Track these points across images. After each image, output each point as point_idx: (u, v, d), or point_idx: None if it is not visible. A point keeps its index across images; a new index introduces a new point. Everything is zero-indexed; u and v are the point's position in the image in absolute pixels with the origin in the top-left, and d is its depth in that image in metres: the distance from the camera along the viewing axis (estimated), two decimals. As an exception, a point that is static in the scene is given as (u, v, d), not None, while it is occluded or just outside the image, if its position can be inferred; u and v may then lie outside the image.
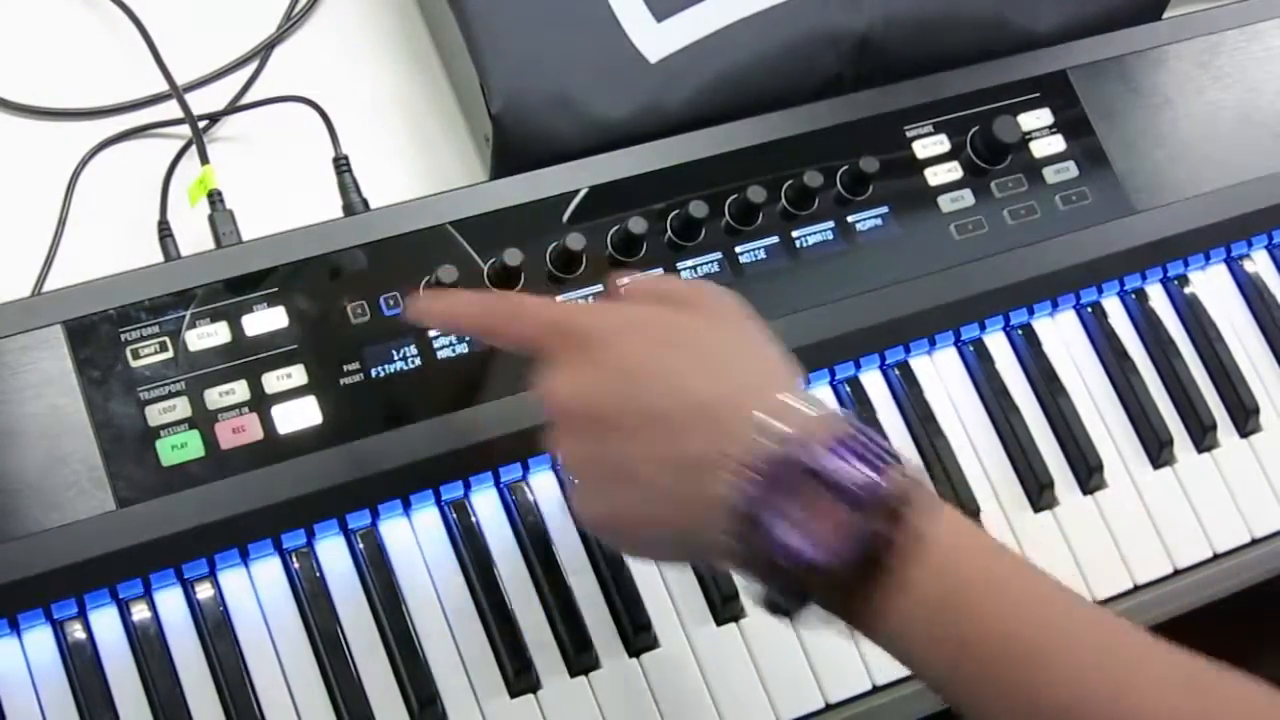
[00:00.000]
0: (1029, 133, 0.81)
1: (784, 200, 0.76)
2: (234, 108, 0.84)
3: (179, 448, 0.65)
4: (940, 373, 0.79)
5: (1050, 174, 0.80)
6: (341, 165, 0.79)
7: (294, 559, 0.67)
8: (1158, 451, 0.79)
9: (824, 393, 0.77)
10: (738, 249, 0.75)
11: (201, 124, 0.82)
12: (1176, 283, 0.84)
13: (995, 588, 0.51)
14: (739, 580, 0.71)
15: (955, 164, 0.79)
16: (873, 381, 0.78)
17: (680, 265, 0.74)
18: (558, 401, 0.56)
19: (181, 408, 0.66)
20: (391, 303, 0.70)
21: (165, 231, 0.77)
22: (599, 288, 0.72)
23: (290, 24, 0.87)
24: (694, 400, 0.53)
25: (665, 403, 0.53)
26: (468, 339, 0.70)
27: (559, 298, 0.72)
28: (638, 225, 0.72)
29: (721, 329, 0.57)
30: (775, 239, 0.75)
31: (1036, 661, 0.49)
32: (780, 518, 0.50)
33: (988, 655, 0.50)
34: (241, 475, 0.65)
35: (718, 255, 0.74)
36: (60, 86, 0.83)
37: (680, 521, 0.53)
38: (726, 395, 0.53)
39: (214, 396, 0.66)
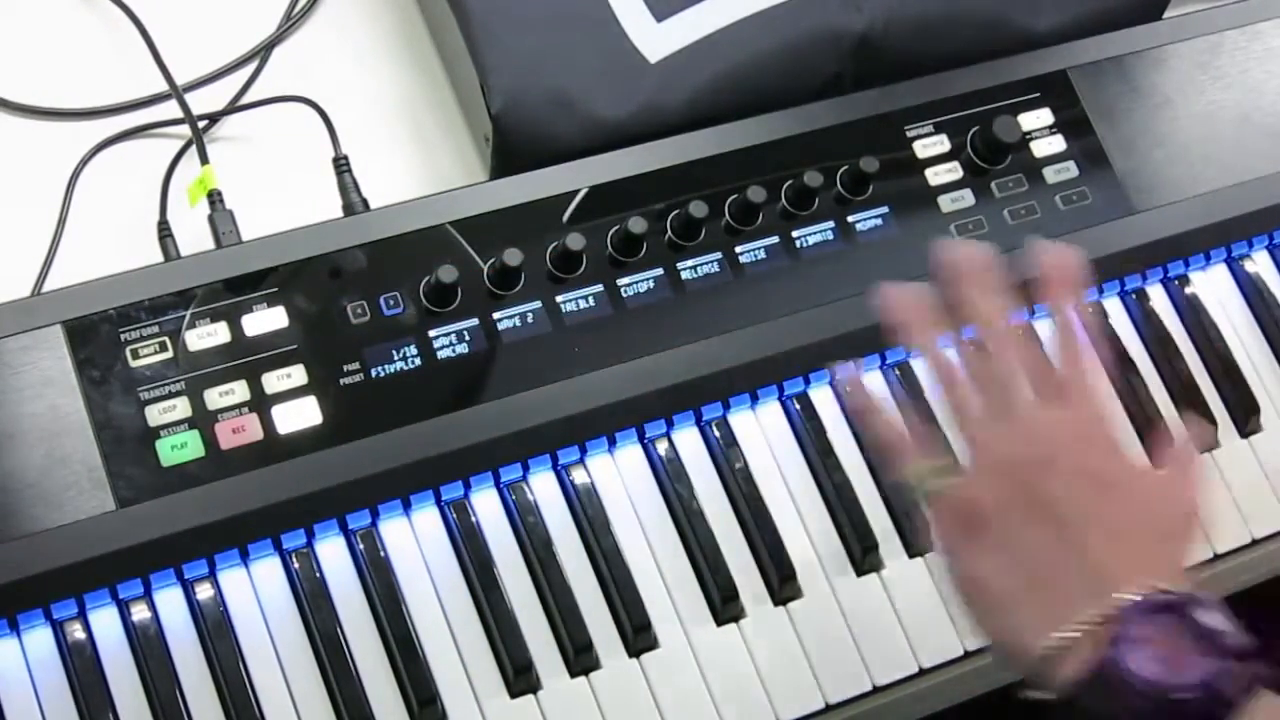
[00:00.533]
0: (1029, 133, 0.81)
1: (784, 200, 0.76)
2: (234, 108, 0.84)
3: (179, 448, 0.65)
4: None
5: (1050, 174, 0.80)
6: (341, 165, 0.79)
7: (294, 559, 0.67)
8: (1158, 451, 0.79)
9: (824, 393, 0.77)
10: (738, 249, 0.75)
11: (201, 124, 0.82)
12: (1177, 283, 0.84)
13: None
14: (739, 581, 0.71)
15: (955, 164, 0.79)
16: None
17: (680, 265, 0.74)
18: (994, 453, 0.59)
19: (181, 408, 0.66)
20: (392, 303, 0.70)
21: (165, 231, 0.77)
22: (599, 288, 0.72)
23: (290, 24, 0.87)
24: (1116, 527, 0.57)
25: (1097, 507, 0.57)
26: (468, 340, 0.70)
27: (557, 298, 0.72)
28: (638, 225, 0.72)
29: (1142, 470, 0.61)
30: (775, 239, 0.75)
31: None
32: (1140, 646, 0.53)
33: None
34: (241, 475, 0.65)
35: (718, 255, 0.74)
36: (60, 86, 0.83)
37: (1040, 615, 0.55)
38: (1144, 535, 0.58)
39: (214, 396, 0.66)
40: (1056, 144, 0.81)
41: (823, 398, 0.76)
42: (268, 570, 0.68)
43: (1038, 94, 0.82)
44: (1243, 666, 0.53)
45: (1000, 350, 0.61)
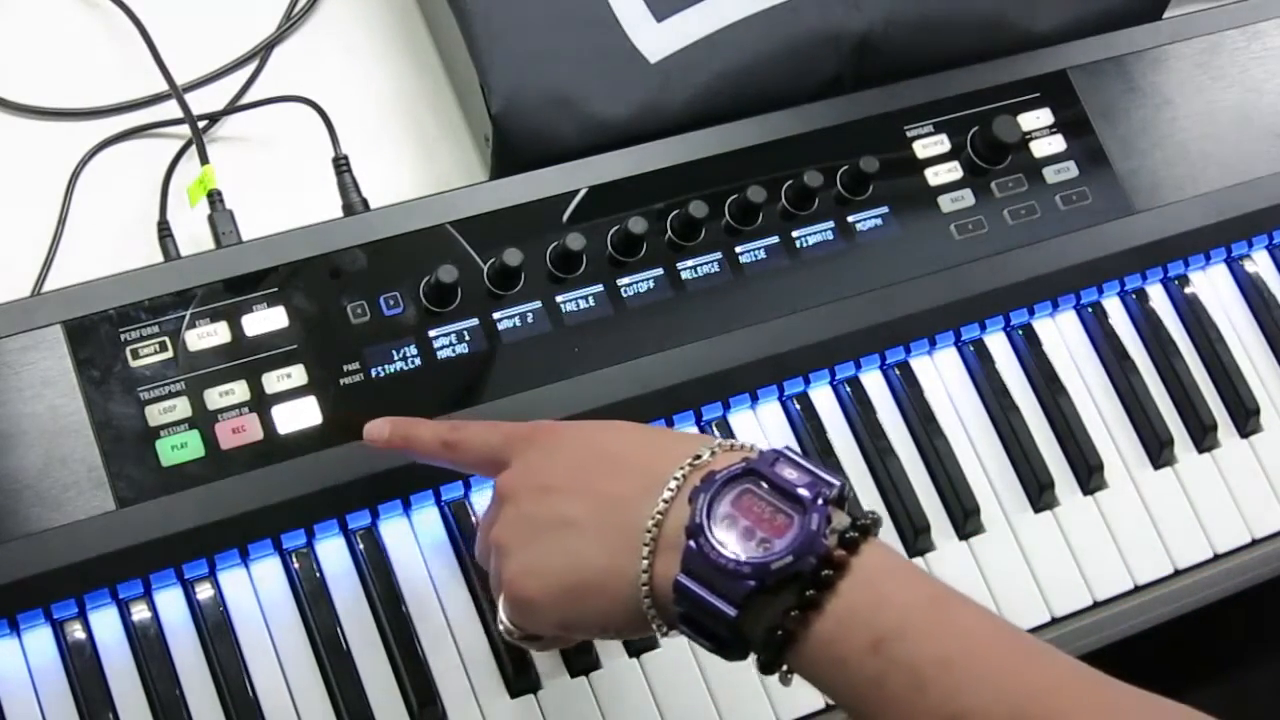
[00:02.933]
0: (1029, 133, 0.81)
1: (784, 200, 0.76)
2: (234, 108, 0.84)
3: (179, 448, 0.65)
4: (940, 373, 0.79)
5: (1050, 174, 0.80)
6: (341, 165, 0.79)
7: (294, 559, 0.67)
8: (1158, 451, 0.79)
9: (824, 393, 0.77)
10: (738, 249, 0.75)
11: (201, 124, 0.82)
12: (1177, 283, 0.84)
13: (928, 605, 0.50)
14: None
15: (955, 164, 0.79)
16: (873, 381, 0.78)
17: (680, 265, 0.74)
18: (507, 486, 0.59)
19: (181, 408, 0.66)
20: (392, 303, 0.70)
21: (165, 231, 0.77)
22: (599, 288, 0.72)
23: (290, 24, 0.87)
24: (632, 451, 0.57)
25: (606, 462, 0.57)
26: (468, 340, 0.70)
27: (557, 298, 0.72)
28: (638, 225, 0.72)
29: (631, 425, 0.61)
30: (775, 239, 0.75)
31: (966, 684, 0.48)
32: (724, 525, 0.51)
33: (918, 672, 0.48)
34: (241, 475, 0.65)
35: (718, 255, 0.74)
36: (60, 86, 0.83)
37: (605, 557, 0.54)
38: (662, 444, 0.57)
39: (214, 396, 0.66)
40: (1056, 144, 0.81)
41: (823, 397, 0.77)
42: (268, 570, 0.68)
43: (1038, 94, 0.82)
44: (836, 514, 0.51)
45: (459, 446, 0.62)
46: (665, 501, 0.53)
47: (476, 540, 0.65)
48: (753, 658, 0.52)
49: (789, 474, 0.52)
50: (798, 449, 0.54)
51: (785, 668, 0.51)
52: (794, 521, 0.50)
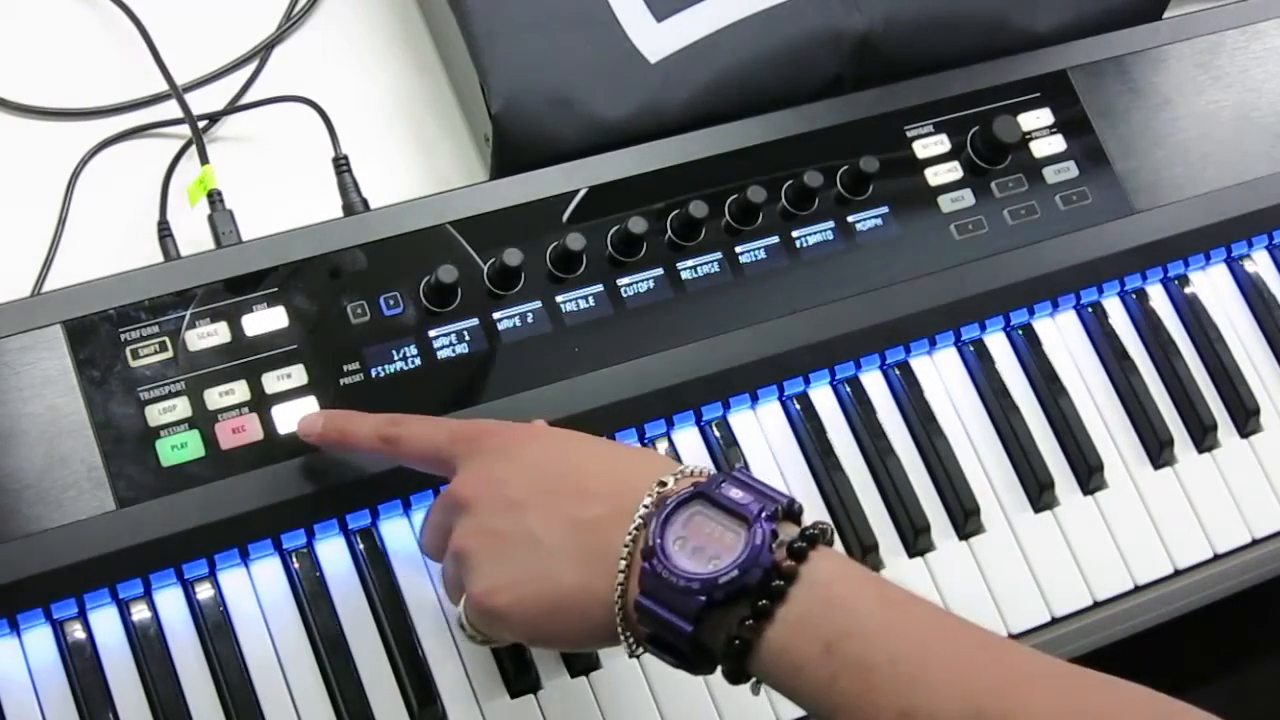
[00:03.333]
0: (1029, 133, 0.81)
1: (784, 200, 0.76)
2: (234, 108, 0.84)
3: (179, 448, 0.65)
4: (940, 373, 0.79)
5: (1050, 174, 0.80)
6: (341, 165, 0.79)
7: (294, 559, 0.67)
8: (1158, 451, 0.79)
9: (824, 393, 0.77)
10: (738, 249, 0.75)
11: (201, 124, 0.82)
12: (1176, 283, 0.84)
13: (876, 606, 0.51)
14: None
15: (955, 164, 0.79)
16: (873, 381, 0.78)
17: (680, 265, 0.74)
18: (468, 492, 0.59)
19: (181, 408, 0.66)
20: (392, 303, 0.70)
21: (165, 231, 0.77)
22: (599, 288, 0.72)
23: (290, 24, 0.87)
24: (597, 471, 0.58)
25: (570, 478, 0.58)
26: (468, 340, 0.70)
27: (557, 298, 0.72)
28: (638, 225, 0.72)
29: (593, 437, 0.62)
30: (775, 239, 0.75)
31: (919, 679, 0.49)
32: (676, 546, 0.53)
33: (869, 671, 0.50)
34: (241, 475, 0.65)
35: (718, 255, 0.74)
36: (60, 86, 0.83)
37: (574, 580, 0.55)
38: (626, 466, 0.58)
39: (214, 396, 0.66)
40: (1056, 144, 0.81)
41: (823, 397, 0.77)
42: (268, 570, 0.68)
43: (1038, 94, 0.82)
44: (784, 527, 0.53)
45: (398, 441, 0.63)
46: (636, 528, 0.54)
47: (423, 533, 0.65)
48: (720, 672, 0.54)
49: (735, 494, 0.54)
50: (749, 472, 0.56)
51: (753, 679, 0.53)
52: (740, 538, 0.52)
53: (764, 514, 0.53)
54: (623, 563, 0.54)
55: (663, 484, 0.55)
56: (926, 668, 0.49)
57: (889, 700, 0.49)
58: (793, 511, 0.55)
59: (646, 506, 0.54)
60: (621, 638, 0.55)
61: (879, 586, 0.53)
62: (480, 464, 0.60)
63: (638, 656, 0.56)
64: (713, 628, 0.52)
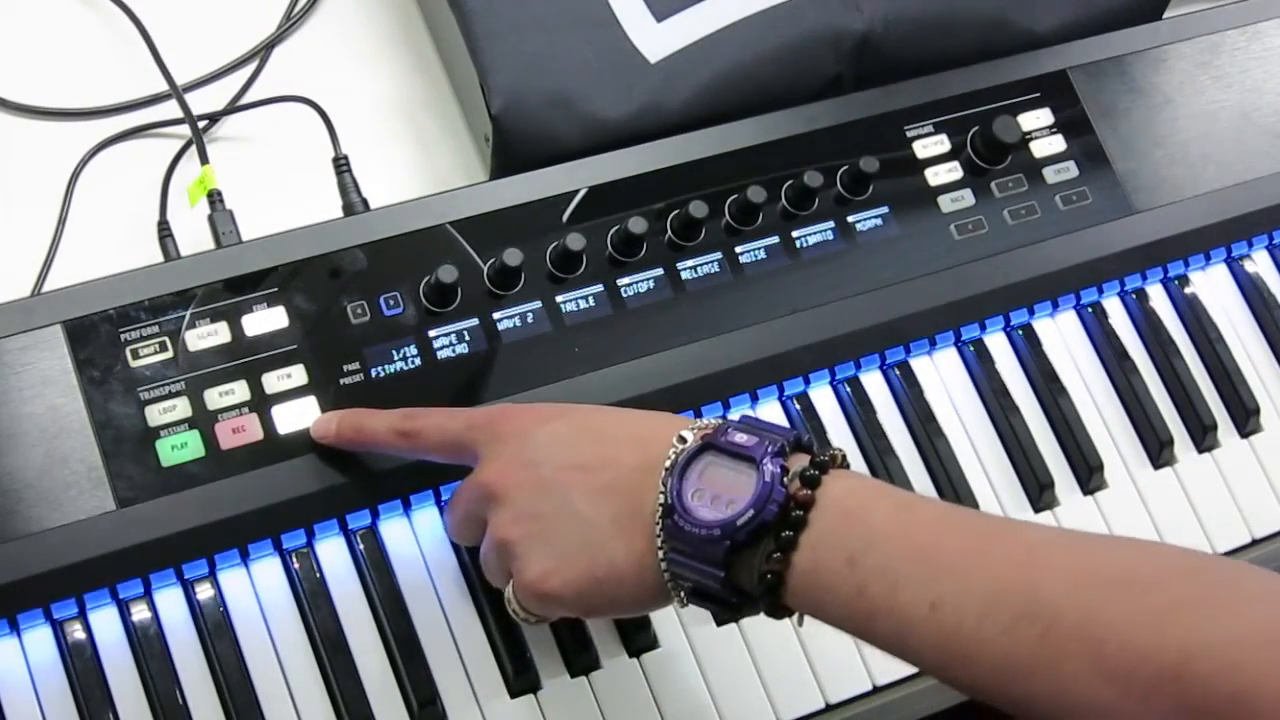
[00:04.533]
0: (1029, 133, 0.81)
1: (784, 200, 0.76)
2: (234, 108, 0.84)
3: (179, 448, 0.65)
4: (940, 373, 0.79)
5: (1050, 174, 0.80)
6: (341, 165, 0.79)
7: (294, 559, 0.67)
8: (1158, 451, 0.79)
9: (824, 393, 0.77)
10: (738, 249, 0.75)
11: (201, 124, 0.82)
12: (1177, 283, 0.84)
13: (892, 512, 0.53)
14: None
15: (955, 164, 0.79)
16: (873, 381, 0.78)
17: (680, 265, 0.74)
18: (498, 481, 0.60)
19: (181, 408, 0.66)
20: (392, 303, 0.70)
21: (165, 231, 0.77)
22: (599, 288, 0.72)
23: (290, 24, 0.87)
24: (617, 438, 0.59)
25: (596, 449, 0.59)
26: (468, 340, 0.70)
27: (557, 298, 0.72)
28: (638, 225, 0.72)
29: (601, 407, 0.64)
30: (775, 239, 0.75)
31: (939, 567, 0.50)
32: (694, 498, 0.55)
33: (892, 572, 0.51)
34: (241, 475, 0.65)
35: (718, 255, 0.74)
36: (60, 86, 0.83)
37: (620, 547, 0.56)
38: (644, 429, 0.59)
39: (214, 396, 0.66)
40: (1056, 144, 0.81)
41: (823, 397, 0.77)
42: (268, 570, 0.68)
43: (1038, 94, 0.82)
44: (794, 459, 0.55)
45: (416, 435, 0.63)
46: (664, 483, 0.56)
47: (451, 525, 0.66)
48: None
49: (740, 439, 0.56)
50: (754, 417, 0.59)
51: (794, 612, 0.55)
52: (751, 479, 0.54)
53: (770, 451, 0.54)
54: (657, 528, 0.55)
55: (682, 439, 0.57)
56: (945, 558, 0.51)
57: (915, 595, 0.50)
58: (802, 443, 0.56)
59: (668, 466, 0.56)
60: (672, 593, 0.56)
61: (891, 495, 0.55)
62: (503, 450, 0.60)
63: (684, 606, 0.57)
64: (744, 568, 0.54)
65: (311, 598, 0.67)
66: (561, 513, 0.58)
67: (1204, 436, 0.80)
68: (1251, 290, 0.85)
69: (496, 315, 0.71)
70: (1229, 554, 0.78)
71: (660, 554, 0.55)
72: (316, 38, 0.87)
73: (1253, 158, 0.84)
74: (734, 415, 0.75)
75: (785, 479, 0.54)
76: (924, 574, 0.50)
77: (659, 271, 0.73)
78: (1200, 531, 0.78)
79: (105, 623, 0.65)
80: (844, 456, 0.56)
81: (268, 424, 0.66)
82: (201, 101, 0.83)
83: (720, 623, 0.57)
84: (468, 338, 0.70)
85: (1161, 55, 0.85)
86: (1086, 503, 0.78)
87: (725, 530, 0.53)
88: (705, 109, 0.78)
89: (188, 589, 0.66)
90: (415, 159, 0.84)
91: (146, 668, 0.64)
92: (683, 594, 0.56)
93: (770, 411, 0.76)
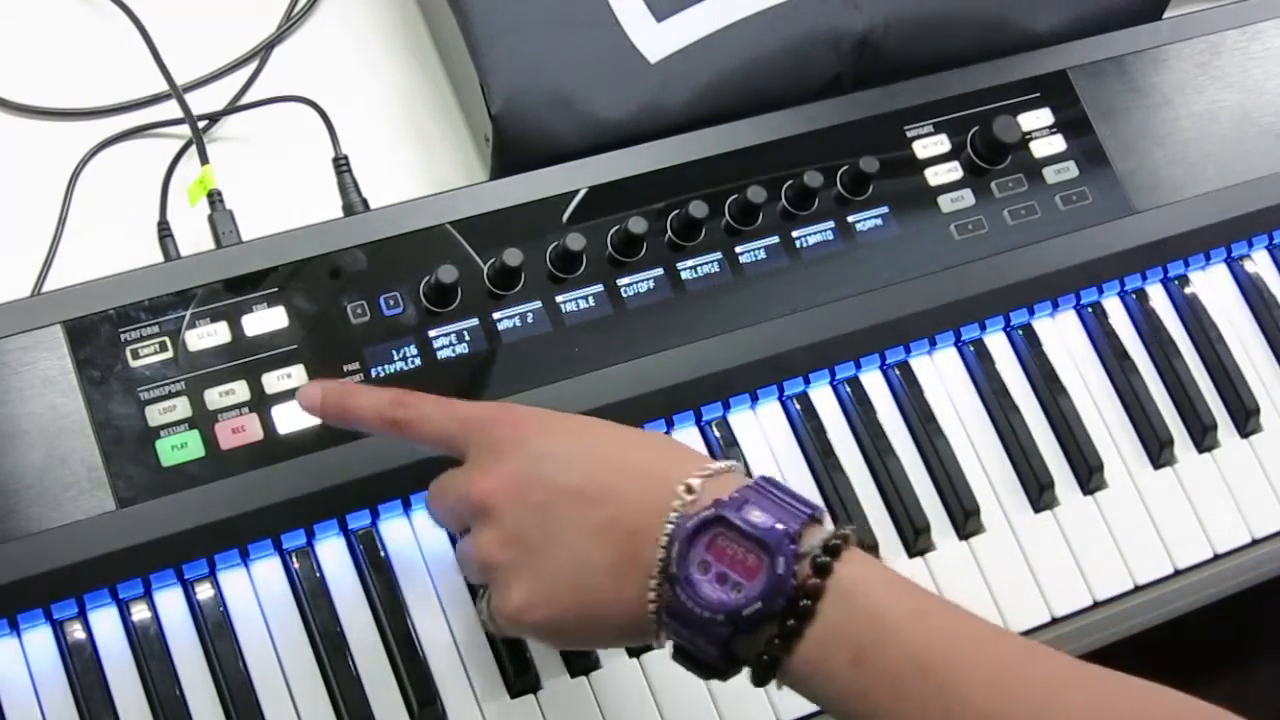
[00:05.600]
0: (1029, 133, 0.81)
1: (784, 200, 0.76)
2: (234, 108, 0.84)
3: (179, 448, 0.65)
4: (940, 373, 0.79)
5: (1050, 174, 0.80)
6: (341, 165, 0.79)
7: (294, 559, 0.67)
8: (1158, 451, 0.79)
9: (824, 393, 0.77)
10: (738, 249, 0.75)
11: (201, 124, 0.82)
12: (1177, 283, 0.84)
13: (906, 616, 0.51)
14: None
15: (955, 164, 0.79)
16: (873, 381, 0.78)
17: (680, 265, 0.74)
18: (487, 496, 0.57)
19: (181, 408, 0.66)
20: (392, 303, 0.70)
21: (165, 231, 0.77)
22: (599, 288, 0.72)
23: (290, 24, 0.87)
24: (621, 470, 0.56)
25: (598, 477, 0.56)
26: (468, 340, 0.70)
27: (557, 298, 0.72)
28: (638, 225, 0.72)
29: (606, 424, 0.60)
30: (775, 239, 0.75)
31: (950, 687, 0.49)
32: (699, 571, 0.52)
33: (900, 682, 0.49)
34: (241, 475, 0.65)
35: (718, 255, 0.74)
36: (60, 86, 0.83)
37: (610, 592, 0.54)
38: (651, 464, 0.56)
39: (214, 396, 0.66)
40: (1056, 144, 0.81)
41: (823, 397, 0.77)
42: (268, 570, 0.68)
43: (1038, 94, 0.82)
44: (809, 535, 0.52)
45: (408, 427, 0.60)
46: (664, 546, 0.53)
47: (433, 509, 0.63)
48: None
49: (755, 517, 0.52)
50: (771, 484, 0.55)
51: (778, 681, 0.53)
52: (763, 564, 0.51)
53: (786, 536, 0.51)
54: (653, 581, 0.53)
55: (690, 488, 0.54)
56: (957, 677, 0.49)
57: (919, 710, 0.49)
58: (816, 517, 0.53)
59: (674, 519, 0.53)
60: (654, 639, 0.55)
61: (907, 591, 0.52)
62: (496, 462, 0.57)
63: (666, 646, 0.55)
64: (741, 647, 0.52)
65: (311, 598, 0.67)
66: (553, 544, 0.55)
67: (1204, 436, 0.80)
68: (1251, 290, 0.85)
69: (496, 315, 0.71)
70: (1228, 554, 0.78)
71: (652, 608, 0.53)
72: (316, 38, 0.87)
73: (1253, 158, 0.84)
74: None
75: (796, 564, 0.51)
76: (932, 691, 0.49)
77: (659, 271, 0.73)
78: (1200, 531, 0.78)
79: (105, 623, 0.65)
80: (855, 535, 0.53)
81: (268, 424, 0.66)
82: (201, 101, 0.83)
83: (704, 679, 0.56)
84: (468, 338, 0.70)
85: (1161, 55, 0.85)
86: (1086, 503, 0.78)
87: (729, 616, 0.51)
88: (705, 109, 0.78)
89: (188, 589, 0.66)
90: (415, 159, 0.84)
91: (146, 668, 0.64)
92: (668, 645, 0.54)
93: (770, 411, 0.76)
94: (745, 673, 0.54)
